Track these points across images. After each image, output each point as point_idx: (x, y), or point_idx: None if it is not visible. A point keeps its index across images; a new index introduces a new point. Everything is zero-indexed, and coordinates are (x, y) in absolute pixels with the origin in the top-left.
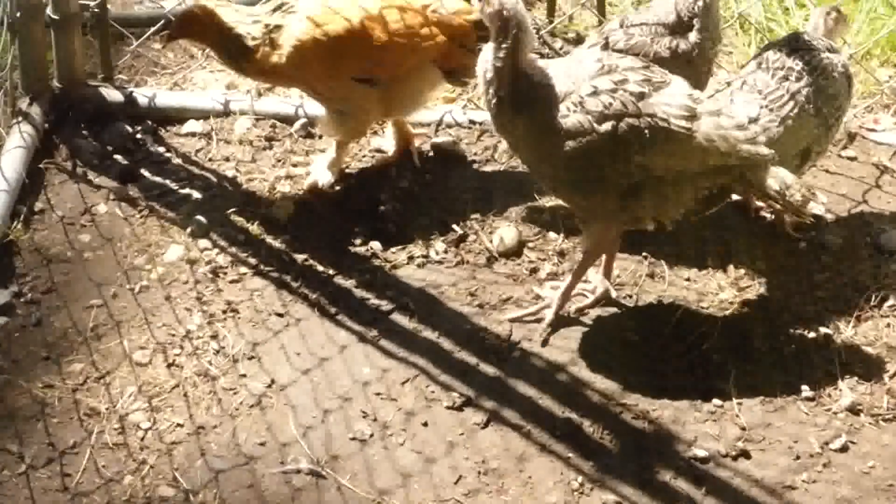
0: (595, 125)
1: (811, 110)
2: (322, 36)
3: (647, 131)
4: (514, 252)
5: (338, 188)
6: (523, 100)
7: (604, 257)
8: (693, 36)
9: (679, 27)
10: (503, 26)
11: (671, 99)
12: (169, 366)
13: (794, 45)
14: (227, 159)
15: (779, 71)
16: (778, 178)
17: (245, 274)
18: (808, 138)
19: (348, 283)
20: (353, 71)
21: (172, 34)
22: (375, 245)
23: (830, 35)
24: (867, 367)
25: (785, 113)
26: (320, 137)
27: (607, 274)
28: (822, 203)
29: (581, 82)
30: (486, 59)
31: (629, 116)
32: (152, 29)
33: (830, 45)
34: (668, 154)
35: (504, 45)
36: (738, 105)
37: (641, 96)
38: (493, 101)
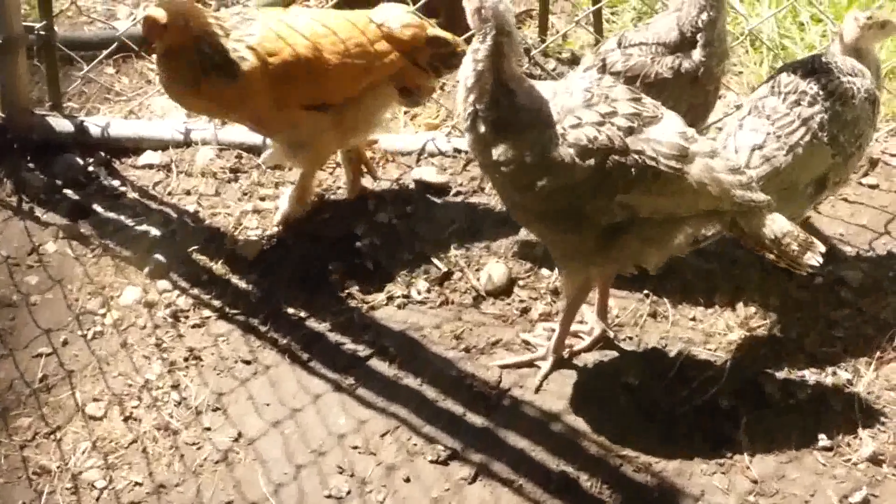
0: (577, 160)
1: (825, 138)
2: (267, 65)
3: (633, 170)
4: (504, 290)
5: (310, 222)
6: (503, 121)
7: (597, 296)
8: (697, 54)
9: (682, 45)
10: (481, 26)
11: (662, 136)
12: (126, 419)
13: (811, 67)
14: (189, 193)
15: (790, 95)
16: (773, 225)
17: (209, 317)
18: (823, 167)
19: (322, 327)
20: (302, 100)
21: (151, 35)
22: (351, 284)
23: (859, 43)
24: (890, 414)
25: (794, 140)
26: (290, 168)
27: (602, 314)
28: (820, 252)
29: (566, 111)
30: (468, 64)
31: (615, 153)
32: (105, 52)
33: (854, 67)
34: (655, 195)
35: (482, 47)
36: (745, 132)
37: (630, 131)
38: (469, 111)
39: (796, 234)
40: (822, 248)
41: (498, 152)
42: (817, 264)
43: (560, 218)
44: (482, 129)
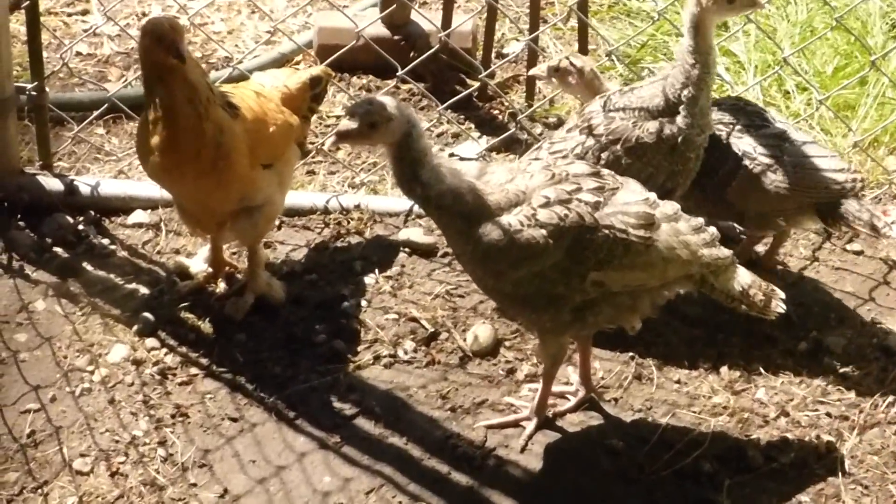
0: (550, 241)
1: None
2: (245, 120)
3: (605, 246)
4: (490, 351)
5: (298, 284)
6: (450, 209)
7: (578, 358)
8: (680, 120)
9: (666, 111)
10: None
11: (627, 207)
12: (112, 474)
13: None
14: (178, 252)
15: None
16: (739, 279)
17: (196, 375)
18: None
19: (308, 386)
20: (263, 157)
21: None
22: (338, 344)
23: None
24: (873, 478)
25: None
26: (279, 228)
27: (585, 375)
28: (782, 298)
29: (531, 191)
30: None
31: (586, 230)
32: (95, 113)
33: None
34: (627, 269)
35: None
36: None
37: (597, 206)
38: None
39: (760, 284)
40: (783, 295)
41: (468, 240)
42: (783, 310)
43: (534, 298)
44: (448, 218)
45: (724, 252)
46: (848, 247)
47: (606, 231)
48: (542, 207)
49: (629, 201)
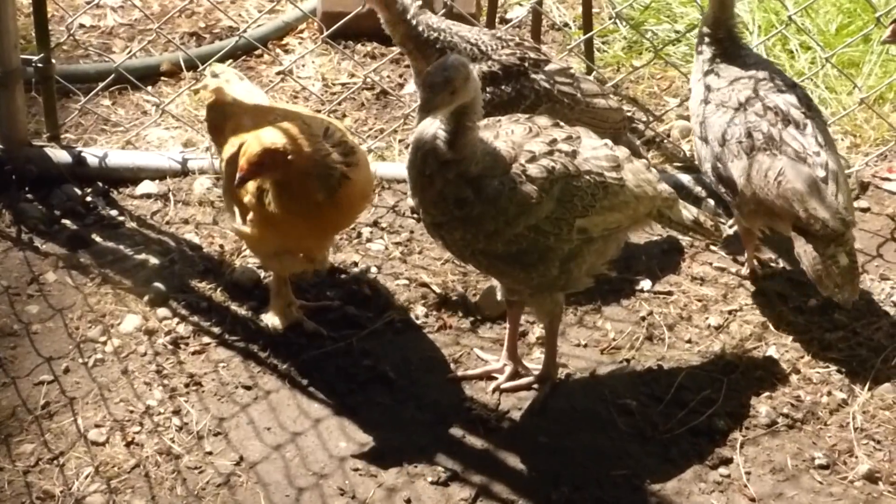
0: (543, 194)
1: None
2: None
3: (588, 191)
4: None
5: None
6: (469, 171)
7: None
8: None
9: None
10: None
11: (595, 152)
12: (128, 444)
13: None
14: (187, 222)
15: None
16: (687, 211)
17: (209, 344)
18: None
19: (321, 352)
20: None
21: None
22: (350, 310)
23: None
24: (885, 432)
25: None
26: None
27: (512, 350)
28: (723, 222)
29: (517, 147)
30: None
31: (572, 178)
32: (101, 84)
33: None
34: (607, 211)
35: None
36: None
37: (574, 155)
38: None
39: (703, 214)
40: (724, 219)
41: (464, 203)
42: (731, 231)
43: (525, 255)
44: (446, 178)
45: (669, 187)
46: (855, 204)
47: (587, 177)
48: (529, 162)
49: (595, 146)
